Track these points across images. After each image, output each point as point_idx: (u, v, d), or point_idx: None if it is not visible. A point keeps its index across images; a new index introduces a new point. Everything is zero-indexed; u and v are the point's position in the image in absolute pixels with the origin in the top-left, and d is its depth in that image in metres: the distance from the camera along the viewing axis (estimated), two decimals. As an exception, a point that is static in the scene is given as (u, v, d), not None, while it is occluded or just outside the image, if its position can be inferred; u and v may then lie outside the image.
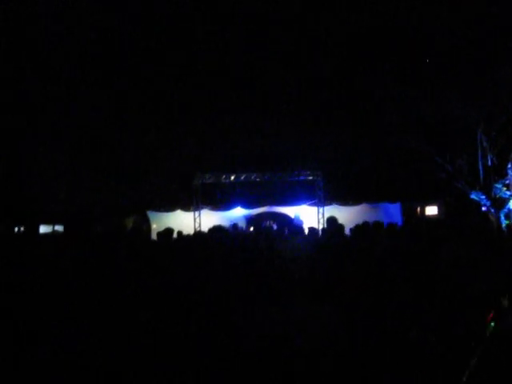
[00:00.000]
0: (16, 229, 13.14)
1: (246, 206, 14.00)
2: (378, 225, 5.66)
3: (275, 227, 12.52)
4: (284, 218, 13.66)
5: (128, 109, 14.64)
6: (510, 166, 12.01)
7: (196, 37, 13.06)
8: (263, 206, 14.01)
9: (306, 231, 6.28)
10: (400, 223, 12.22)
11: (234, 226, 9.16)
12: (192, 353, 2.56)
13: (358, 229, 5.45)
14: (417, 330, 2.67)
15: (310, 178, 13.46)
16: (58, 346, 2.64)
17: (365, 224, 5.63)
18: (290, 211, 13.91)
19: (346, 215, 11.91)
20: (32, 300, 3.02)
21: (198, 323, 2.76)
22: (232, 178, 13.65)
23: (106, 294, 3.11)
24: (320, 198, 13.34)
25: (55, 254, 4.30)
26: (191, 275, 3.42)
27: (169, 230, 5.62)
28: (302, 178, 13.49)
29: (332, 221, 5.37)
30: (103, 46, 12.91)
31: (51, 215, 15.62)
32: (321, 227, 11.84)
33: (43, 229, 14.47)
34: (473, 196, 12.85)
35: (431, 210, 13.70)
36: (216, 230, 5.68)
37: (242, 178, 13.62)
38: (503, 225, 11.27)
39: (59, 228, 14.74)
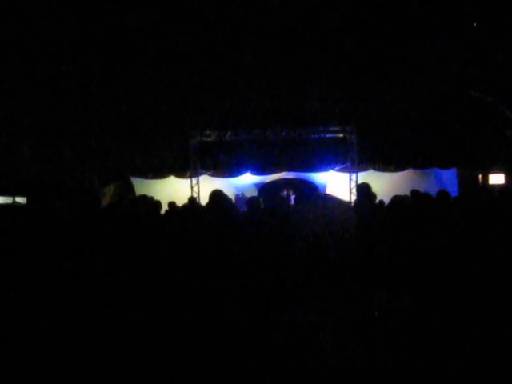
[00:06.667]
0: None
1: (257, 171, 13.06)
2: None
3: (293, 198, 11.46)
4: (306, 186, 12.88)
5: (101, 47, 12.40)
6: None
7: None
8: (279, 171, 12.94)
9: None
10: (456, 194, 11.34)
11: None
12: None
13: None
14: None
15: (341, 135, 12.23)
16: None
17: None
18: (314, 178, 13.14)
19: (387, 184, 11.13)
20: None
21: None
22: (239, 135, 12.48)
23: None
24: (353, 162, 12.26)
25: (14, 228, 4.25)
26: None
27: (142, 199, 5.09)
28: (329, 135, 12.22)
29: (363, 189, 4.58)
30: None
31: (12, 185, 14.52)
32: (354, 198, 11.09)
33: (2, 200, 13.87)
34: (552, 161, 11.99)
35: (496, 179, 12.17)
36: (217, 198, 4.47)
37: (252, 135, 12.45)
38: None
39: (21, 200, 13.97)
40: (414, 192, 5.40)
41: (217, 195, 4.33)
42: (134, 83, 13.05)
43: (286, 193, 11.96)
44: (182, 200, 7.95)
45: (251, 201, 5.02)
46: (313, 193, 11.91)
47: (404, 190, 7.55)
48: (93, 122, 13.07)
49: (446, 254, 3.40)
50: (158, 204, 5.35)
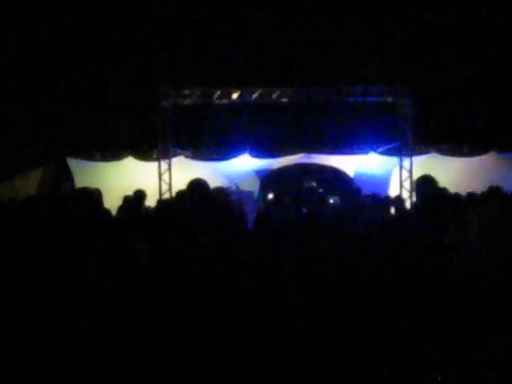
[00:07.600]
0: None
1: (260, 152, 11.08)
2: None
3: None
4: (336, 177, 10.56)
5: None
6: None
7: None
8: (293, 152, 11.02)
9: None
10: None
11: None
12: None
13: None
14: None
15: (389, 99, 10.07)
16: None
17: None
18: (348, 164, 10.76)
19: (457, 172, 9.91)
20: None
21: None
22: (234, 96, 10.20)
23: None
24: (406, 140, 10.27)
25: None
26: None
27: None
28: (370, 98, 10.11)
29: (426, 185, 3.59)
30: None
31: None
32: (406, 195, 9.50)
33: None
34: None
35: None
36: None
37: (253, 97, 10.24)
38: None
39: None
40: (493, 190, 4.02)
41: (198, 187, 3.35)
42: (73, 19, 10.77)
43: (306, 185, 9.50)
44: (146, 191, 6.34)
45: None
46: (347, 187, 9.63)
47: (482, 182, 6.42)
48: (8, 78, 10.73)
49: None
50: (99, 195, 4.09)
